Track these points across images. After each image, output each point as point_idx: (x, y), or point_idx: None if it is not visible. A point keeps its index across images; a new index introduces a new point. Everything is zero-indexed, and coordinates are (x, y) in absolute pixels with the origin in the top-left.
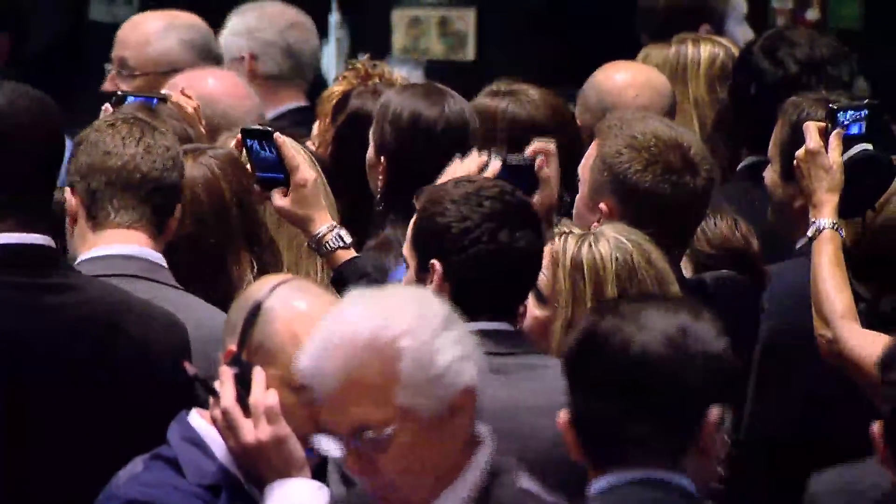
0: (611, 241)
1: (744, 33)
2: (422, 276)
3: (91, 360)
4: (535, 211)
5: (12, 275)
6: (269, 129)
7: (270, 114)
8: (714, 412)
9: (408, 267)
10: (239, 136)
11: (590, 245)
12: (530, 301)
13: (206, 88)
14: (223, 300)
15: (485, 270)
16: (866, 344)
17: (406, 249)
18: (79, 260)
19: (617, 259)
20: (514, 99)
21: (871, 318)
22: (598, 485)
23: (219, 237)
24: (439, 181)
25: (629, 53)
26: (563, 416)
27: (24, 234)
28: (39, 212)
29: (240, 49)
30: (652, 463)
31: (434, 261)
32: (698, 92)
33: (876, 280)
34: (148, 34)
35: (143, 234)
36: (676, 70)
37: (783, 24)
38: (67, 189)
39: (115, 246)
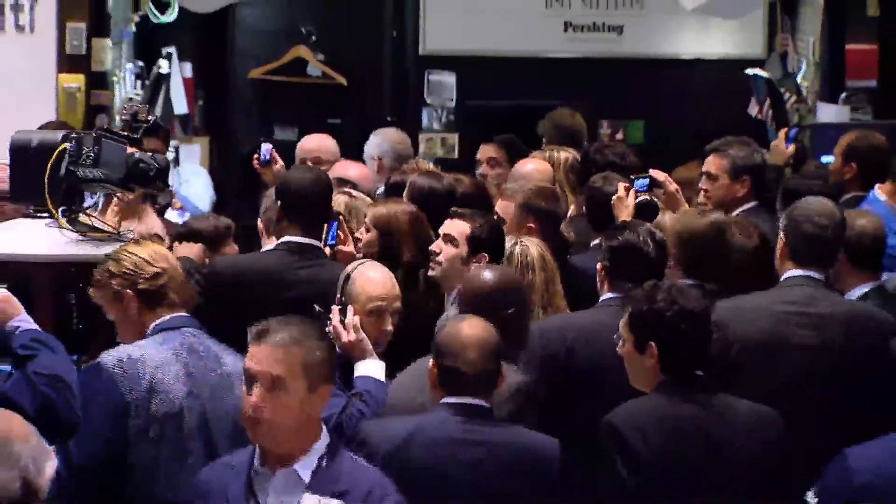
0: (533, 246)
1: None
2: (472, 258)
3: (304, 301)
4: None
5: (287, 256)
6: None
7: (381, 188)
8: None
9: (454, 245)
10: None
11: (519, 246)
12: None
13: (349, 172)
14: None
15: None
16: None
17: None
18: None
19: (537, 254)
20: (456, 182)
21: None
22: (609, 294)
23: (418, 251)
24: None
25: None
26: (599, 265)
27: (302, 238)
28: (313, 226)
29: (372, 153)
30: (636, 283)
31: (484, 254)
32: (559, 175)
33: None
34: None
35: None
36: (551, 163)
37: (606, 140)
38: None
39: None
